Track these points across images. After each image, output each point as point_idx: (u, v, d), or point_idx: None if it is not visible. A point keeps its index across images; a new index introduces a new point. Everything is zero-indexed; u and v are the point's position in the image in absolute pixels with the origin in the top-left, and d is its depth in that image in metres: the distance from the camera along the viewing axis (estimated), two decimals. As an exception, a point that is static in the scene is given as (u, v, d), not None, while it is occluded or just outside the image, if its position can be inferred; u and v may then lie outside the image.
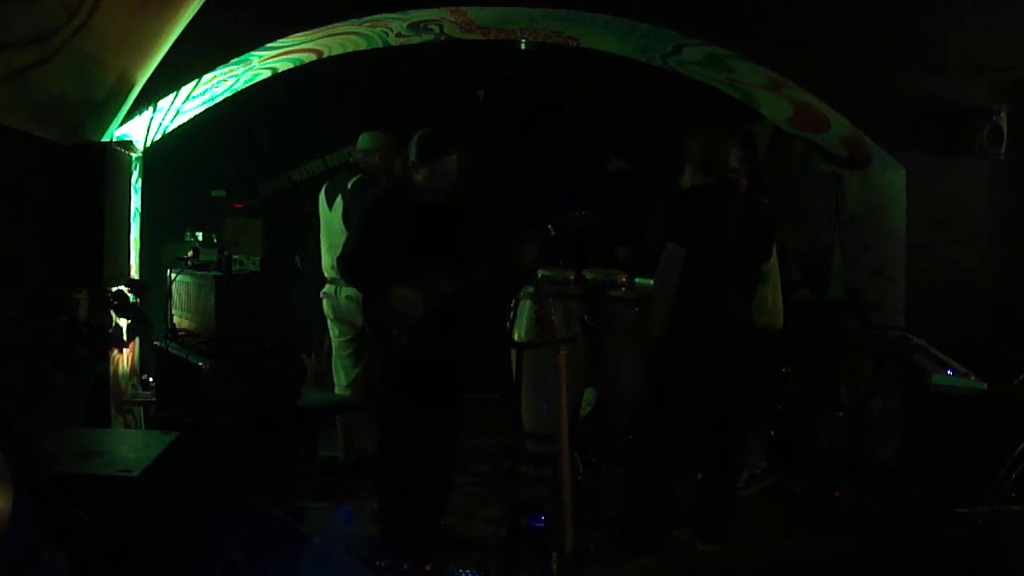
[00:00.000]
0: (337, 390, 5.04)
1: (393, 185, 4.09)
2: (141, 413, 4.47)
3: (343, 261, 3.93)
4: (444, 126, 3.91)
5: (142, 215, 4.59)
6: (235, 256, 3.94)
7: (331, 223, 4.91)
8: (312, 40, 4.73)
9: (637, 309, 5.10)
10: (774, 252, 4.55)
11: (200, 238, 4.48)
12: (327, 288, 4.96)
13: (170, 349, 4.08)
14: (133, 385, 4.51)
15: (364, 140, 4.99)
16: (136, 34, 3.58)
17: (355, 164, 5.01)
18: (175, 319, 4.19)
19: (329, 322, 5.02)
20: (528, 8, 4.79)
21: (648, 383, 4.01)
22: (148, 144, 4.49)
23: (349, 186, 4.82)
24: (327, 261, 4.94)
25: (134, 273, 4.35)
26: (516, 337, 5.11)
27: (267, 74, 5.02)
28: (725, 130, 4.10)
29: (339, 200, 4.86)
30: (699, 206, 3.88)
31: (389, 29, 4.90)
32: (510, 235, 3.82)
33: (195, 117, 4.95)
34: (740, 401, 3.93)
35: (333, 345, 5.05)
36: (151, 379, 4.70)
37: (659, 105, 6.54)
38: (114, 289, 3.76)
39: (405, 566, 3.61)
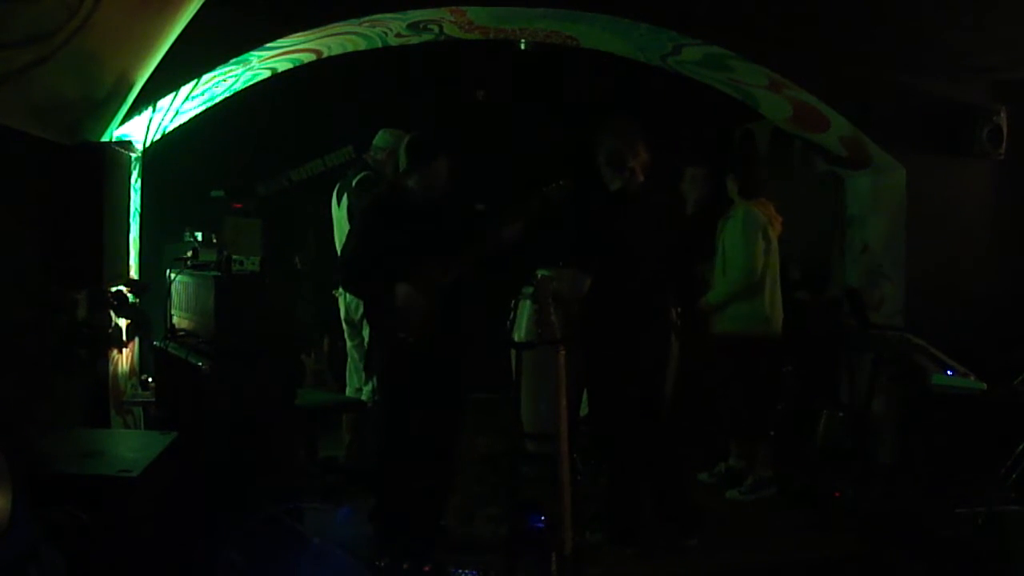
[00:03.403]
0: (349, 391, 5.01)
1: (387, 189, 4.10)
2: (141, 413, 4.47)
3: (342, 271, 3.95)
4: (439, 128, 3.94)
5: (142, 215, 4.59)
6: (235, 256, 3.93)
7: (340, 221, 4.91)
8: (312, 40, 4.73)
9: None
10: (770, 260, 4.59)
11: (200, 238, 4.47)
12: (340, 288, 4.94)
13: (170, 349, 4.08)
14: (133, 385, 4.51)
15: (377, 137, 4.98)
16: (136, 34, 3.58)
17: (365, 161, 5.01)
18: (175, 319, 4.18)
19: (343, 323, 5.00)
20: (528, 8, 4.79)
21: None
22: (148, 144, 4.48)
23: (354, 183, 4.84)
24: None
25: (134, 273, 4.35)
26: (516, 337, 5.10)
27: (267, 74, 5.01)
28: (635, 124, 4.15)
29: (345, 197, 4.87)
30: (599, 220, 4.05)
31: (389, 29, 4.90)
32: (497, 219, 3.91)
33: (195, 117, 4.95)
34: (634, 401, 3.97)
35: (348, 346, 5.02)
36: (151, 379, 4.70)
37: (659, 105, 6.52)
38: (114, 289, 3.76)
39: (405, 566, 3.61)
